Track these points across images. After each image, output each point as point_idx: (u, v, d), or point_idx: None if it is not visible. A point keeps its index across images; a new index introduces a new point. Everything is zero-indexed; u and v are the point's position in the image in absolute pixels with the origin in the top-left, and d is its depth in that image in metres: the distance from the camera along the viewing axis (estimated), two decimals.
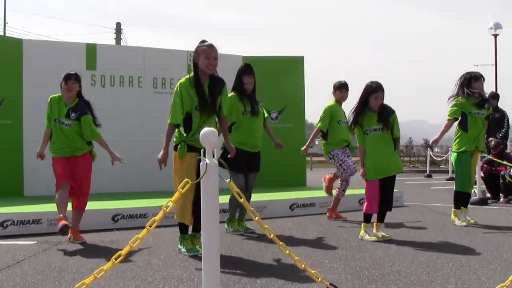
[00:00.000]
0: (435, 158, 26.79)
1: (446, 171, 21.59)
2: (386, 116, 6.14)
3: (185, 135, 5.19)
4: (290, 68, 12.39)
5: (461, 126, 7.18)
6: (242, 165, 6.36)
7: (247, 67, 6.56)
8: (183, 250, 5.36)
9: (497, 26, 25.27)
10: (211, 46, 5.21)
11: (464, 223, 7.12)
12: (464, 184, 7.19)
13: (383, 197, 6.17)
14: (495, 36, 25.42)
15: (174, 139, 5.28)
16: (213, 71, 5.25)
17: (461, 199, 7.30)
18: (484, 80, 7.22)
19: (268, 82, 11.38)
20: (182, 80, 5.28)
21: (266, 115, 6.89)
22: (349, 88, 7.79)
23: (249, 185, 6.64)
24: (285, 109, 12.16)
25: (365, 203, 6.26)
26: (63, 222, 5.59)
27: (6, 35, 20.61)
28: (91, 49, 10.60)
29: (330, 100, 7.89)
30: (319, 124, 7.75)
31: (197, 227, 5.31)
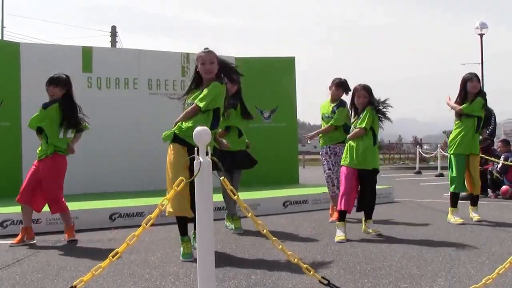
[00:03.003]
0: (425, 155, 27.01)
1: (435, 168, 21.73)
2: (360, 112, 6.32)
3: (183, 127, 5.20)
4: (282, 69, 12.50)
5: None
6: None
7: None
8: (181, 253, 5.20)
9: (483, 25, 25.46)
10: (206, 52, 5.33)
11: (461, 220, 7.11)
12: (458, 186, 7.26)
13: (365, 194, 6.26)
14: (481, 35, 25.61)
15: (167, 131, 5.21)
16: (210, 75, 5.29)
17: (457, 198, 7.34)
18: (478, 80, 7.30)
19: (261, 82, 11.51)
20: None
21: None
22: (344, 86, 7.58)
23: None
24: (278, 109, 12.27)
25: (341, 199, 6.16)
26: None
27: (4, 39, 20.58)
28: (87, 52, 10.68)
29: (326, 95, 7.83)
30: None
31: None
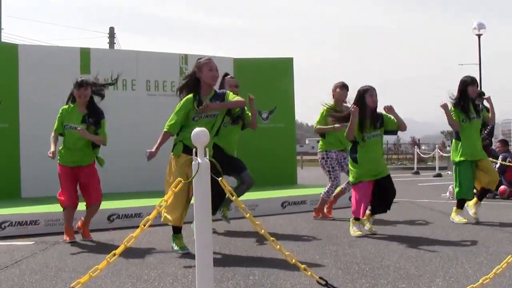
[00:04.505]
0: (422, 155, 27.08)
1: (434, 168, 21.76)
2: (381, 121, 6.36)
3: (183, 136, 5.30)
4: (280, 70, 12.51)
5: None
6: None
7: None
8: (176, 248, 5.43)
9: (481, 26, 25.51)
10: (211, 59, 5.45)
11: (464, 220, 7.13)
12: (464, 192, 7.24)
13: (382, 199, 6.39)
14: (479, 36, 25.67)
15: (178, 147, 5.37)
16: (215, 83, 5.48)
17: (464, 202, 7.34)
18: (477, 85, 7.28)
19: (259, 83, 11.51)
20: (185, 99, 5.42)
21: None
22: (348, 89, 7.62)
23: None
24: (276, 110, 12.28)
25: (360, 206, 6.34)
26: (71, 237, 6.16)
27: (2, 40, 20.58)
28: (85, 53, 10.68)
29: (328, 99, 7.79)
30: (315, 124, 7.73)
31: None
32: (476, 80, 7.28)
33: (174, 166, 5.28)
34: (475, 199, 7.33)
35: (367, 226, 6.39)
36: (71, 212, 6.24)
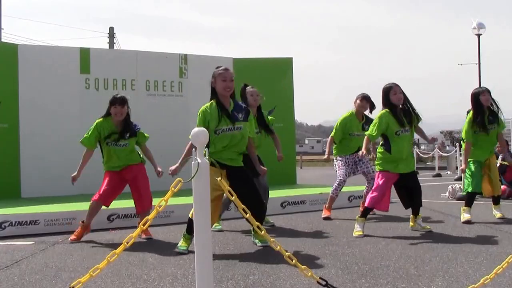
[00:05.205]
0: (422, 155, 27.12)
1: (433, 168, 21.78)
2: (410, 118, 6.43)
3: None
4: (280, 70, 12.53)
5: None
6: None
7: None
8: (179, 245, 5.45)
9: (480, 26, 25.56)
10: (226, 69, 5.39)
11: (468, 217, 7.15)
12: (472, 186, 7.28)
13: (413, 193, 6.52)
14: (479, 36, 25.71)
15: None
16: (229, 93, 5.39)
17: (473, 199, 7.43)
18: (489, 92, 7.25)
19: (259, 83, 11.47)
20: (205, 106, 5.39)
21: None
22: (370, 100, 7.85)
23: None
24: (275, 109, 12.28)
25: (373, 196, 6.39)
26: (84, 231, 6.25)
27: (2, 40, 20.60)
28: (84, 53, 10.69)
29: (349, 109, 8.06)
30: (333, 133, 8.01)
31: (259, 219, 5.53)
32: (485, 90, 7.23)
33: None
34: (493, 205, 7.52)
35: (422, 226, 6.53)
36: (97, 208, 6.27)
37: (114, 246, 5.68)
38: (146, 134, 6.49)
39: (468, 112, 7.43)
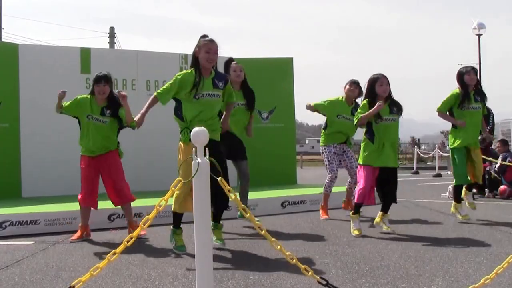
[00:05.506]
0: (422, 155, 27.13)
1: (433, 168, 21.79)
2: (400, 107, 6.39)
3: (185, 122, 5.36)
4: (280, 69, 12.52)
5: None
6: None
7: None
8: (173, 245, 5.43)
9: (481, 26, 25.57)
10: (212, 41, 5.37)
11: (467, 217, 7.16)
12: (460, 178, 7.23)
13: (387, 188, 6.38)
14: (479, 36, 25.71)
15: (179, 126, 5.42)
16: (211, 65, 5.40)
17: (460, 192, 7.38)
18: (475, 72, 7.15)
19: (259, 83, 11.49)
20: (186, 71, 5.45)
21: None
22: (359, 86, 7.63)
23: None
24: (276, 109, 12.29)
25: (361, 191, 6.34)
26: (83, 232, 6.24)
27: (2, 40, 20.60)
28: (85, 53, 10.69)
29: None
30: (312, 103, 7.88)
31: (215, 218, 5.56)
32: (471, 69, 7.12)
33: (183, 153, 5.23)
34: (464, 190, 7.42)
35: (385, 227, 6.42)
36: (86, 211, 6.28)
37: (115, 245, 5.68)
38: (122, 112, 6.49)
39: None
